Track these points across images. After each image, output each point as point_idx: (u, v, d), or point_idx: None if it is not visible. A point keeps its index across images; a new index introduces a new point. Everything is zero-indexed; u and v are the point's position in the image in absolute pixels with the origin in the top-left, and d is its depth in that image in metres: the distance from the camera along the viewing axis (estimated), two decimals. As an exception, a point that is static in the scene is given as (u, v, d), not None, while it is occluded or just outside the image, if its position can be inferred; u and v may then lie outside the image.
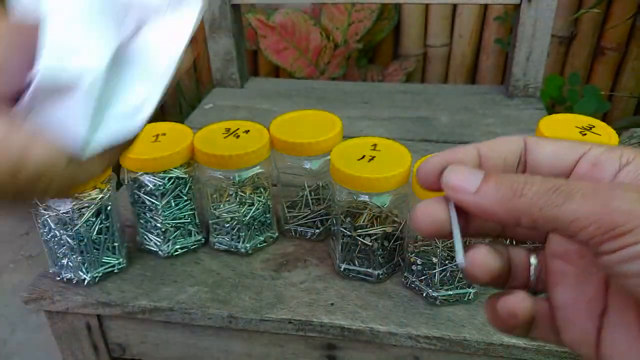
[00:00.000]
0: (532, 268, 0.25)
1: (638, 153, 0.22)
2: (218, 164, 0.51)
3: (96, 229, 0.50)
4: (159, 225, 0.54)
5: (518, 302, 0.23)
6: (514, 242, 0.26)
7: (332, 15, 1.31)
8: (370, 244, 0.49)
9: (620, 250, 0.19)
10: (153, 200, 0.52)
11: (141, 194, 0.53)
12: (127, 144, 0.26)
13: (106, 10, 0.24)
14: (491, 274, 0.23)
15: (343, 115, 0.58)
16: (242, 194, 0.53)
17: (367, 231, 0.49)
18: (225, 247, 0.56)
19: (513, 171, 0.24)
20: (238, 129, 0.54)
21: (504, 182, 0.21)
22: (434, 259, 0.47)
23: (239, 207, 0.53)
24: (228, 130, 0.54)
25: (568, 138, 0.50)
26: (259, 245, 0.56)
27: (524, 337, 0.24)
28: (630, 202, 0.19)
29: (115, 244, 0.53)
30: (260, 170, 0.53)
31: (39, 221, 0.50)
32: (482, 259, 0.23)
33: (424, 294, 0.49)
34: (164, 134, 0.54)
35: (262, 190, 0.54)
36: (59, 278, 0.52)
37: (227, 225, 0.55)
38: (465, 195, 0.22)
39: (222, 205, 0.54)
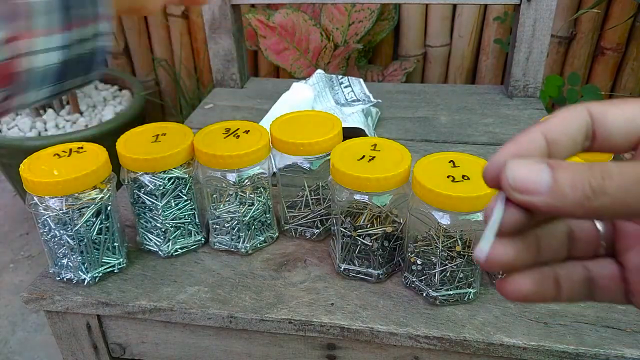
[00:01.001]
0: (600, 234, 0.24)
1: None
2: (218, 164, 0.51)
3: (96, 229, 0.51)
4: (159, 225, 0.54)
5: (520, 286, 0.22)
6: None
7: (332, 16, 1.30)
8: (370, 244, 0.49)
9: None
10: (153, 200, 0.52)
11: (141, 194, 0.53)
12: None
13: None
14: (506, 266, 0.22)
15: (343, 115, 0.58)
16: (242, 194, 0.53)
17: (367, 231, 0.49)
18: (225, 247, 0.56)
19: (581, 149, 0.22)
20: (238, 129, 0.54)
21: (579, 180, 0.19)
22: (433, 259, 0.47)
23: (239, 207, 0.53)
24: (228, 130, 0.54)
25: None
26: (259, 245, 0.56)
27: (584, 302, 0.22)
28: None
29: (115, 244, 0.53)
30: (260, 170, 0.53)
31: (39, 221, 0.50)
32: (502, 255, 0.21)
33: (424, 294, 0.49)
34: (164, 134, 0.54)
35: (262, 190, 0.54)
36: (59, 278, 0.52)
37: (227, 225, 0.55)
38: (536, 197, 0.19)
39: (222, 205, 0.54)
